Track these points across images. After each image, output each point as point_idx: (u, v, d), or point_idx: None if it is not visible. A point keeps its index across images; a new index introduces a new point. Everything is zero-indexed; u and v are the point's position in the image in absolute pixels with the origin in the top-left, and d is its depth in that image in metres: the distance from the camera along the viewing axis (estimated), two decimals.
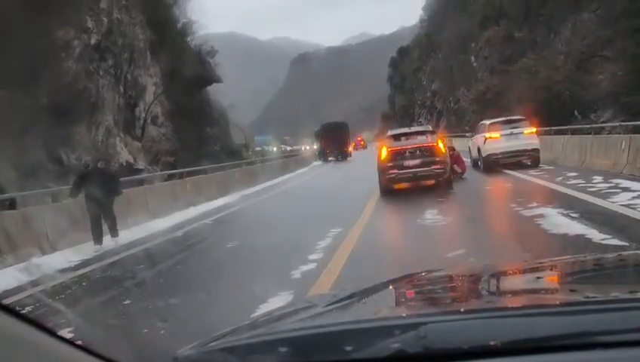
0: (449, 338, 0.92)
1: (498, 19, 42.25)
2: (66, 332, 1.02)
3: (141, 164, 24.54)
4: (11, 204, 11.09)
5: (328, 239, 8.10)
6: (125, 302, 5.81)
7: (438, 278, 1.70)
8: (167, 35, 33.31)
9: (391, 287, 1.62)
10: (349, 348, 0.95)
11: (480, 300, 1.34)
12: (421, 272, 1.74)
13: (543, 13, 34.36)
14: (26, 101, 15.23)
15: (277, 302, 4.88)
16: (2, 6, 15.26)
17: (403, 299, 1.52)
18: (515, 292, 1.40)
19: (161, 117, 30.33)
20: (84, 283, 7.13)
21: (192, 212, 14.11)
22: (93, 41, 22.22)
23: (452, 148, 15.47)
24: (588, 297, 1.11)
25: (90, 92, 21.44)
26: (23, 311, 0.90)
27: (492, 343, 0.88)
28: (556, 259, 2.09)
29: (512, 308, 1.08)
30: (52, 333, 0.87)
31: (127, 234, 10.63)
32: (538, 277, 1.52)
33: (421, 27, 79.80)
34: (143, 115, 27.93)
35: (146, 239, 10.35)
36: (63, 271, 7.96)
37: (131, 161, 23.89)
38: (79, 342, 0.93)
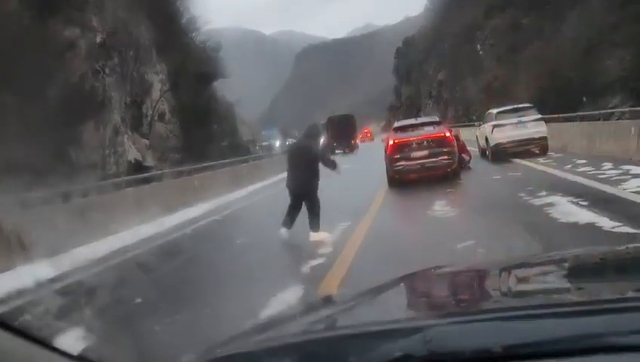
0: (454, 341, 0.91)
1: (504, 7, 41.89)
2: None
3: (150, 162, 24.64)
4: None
5: (337, 232, 8.09)
6: None
7: (445, 277, 1.68)
8: (172, 31, 33.27)
9: (397, 287, 1.60)
10: (353, 354, 0.93)
11: (486, 301, 1.33)
12: (429, 268, 1.72)
13: (549, 1, 34.03)
14: (33, 102, 15.28)
15: (288, 294, 4.93)
16: (7, 8, 15.30)
17: (408, 301, 1.50)
18: (521, 293, 1.38)
19: (167, 114, 30.38)
20: None
21: (199, 209, 14.13)
22: (98, 40, 22.25)
23: (456, 138, 15.38)
24: (597, 297, 1.09)
25: (97, 91, 21.50)
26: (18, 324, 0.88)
27: (498, 347, 0.86)
28: (565, 252, 2.06)
29: (519, 310, 1.06)
30: (48, 346, 0.87)
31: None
32: (545, 275, 1.49)
33: (426, 17, 79.30)
34: (150, 113, 28.00)
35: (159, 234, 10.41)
36: None
37: (140, 158, 23.98)
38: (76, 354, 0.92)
